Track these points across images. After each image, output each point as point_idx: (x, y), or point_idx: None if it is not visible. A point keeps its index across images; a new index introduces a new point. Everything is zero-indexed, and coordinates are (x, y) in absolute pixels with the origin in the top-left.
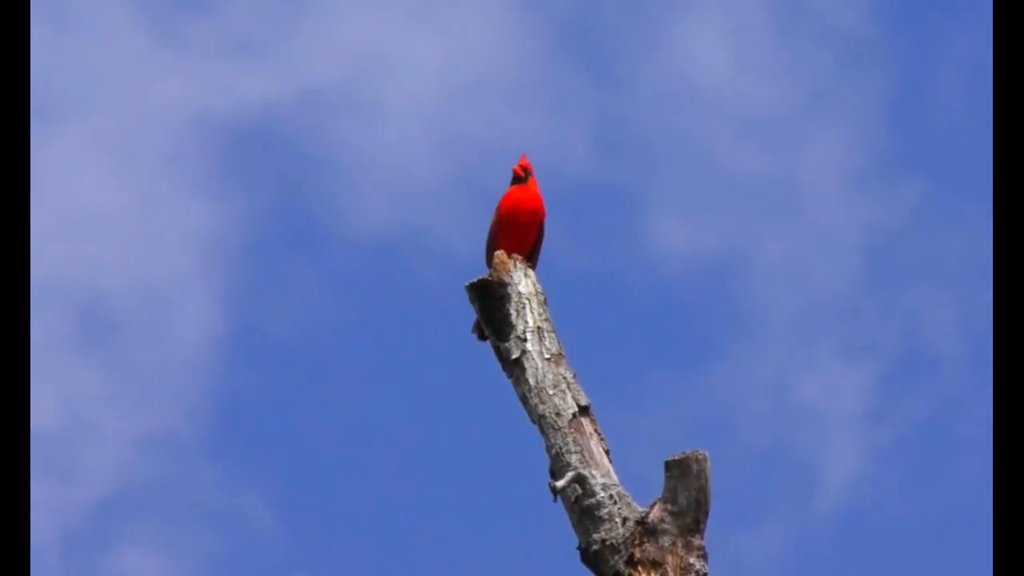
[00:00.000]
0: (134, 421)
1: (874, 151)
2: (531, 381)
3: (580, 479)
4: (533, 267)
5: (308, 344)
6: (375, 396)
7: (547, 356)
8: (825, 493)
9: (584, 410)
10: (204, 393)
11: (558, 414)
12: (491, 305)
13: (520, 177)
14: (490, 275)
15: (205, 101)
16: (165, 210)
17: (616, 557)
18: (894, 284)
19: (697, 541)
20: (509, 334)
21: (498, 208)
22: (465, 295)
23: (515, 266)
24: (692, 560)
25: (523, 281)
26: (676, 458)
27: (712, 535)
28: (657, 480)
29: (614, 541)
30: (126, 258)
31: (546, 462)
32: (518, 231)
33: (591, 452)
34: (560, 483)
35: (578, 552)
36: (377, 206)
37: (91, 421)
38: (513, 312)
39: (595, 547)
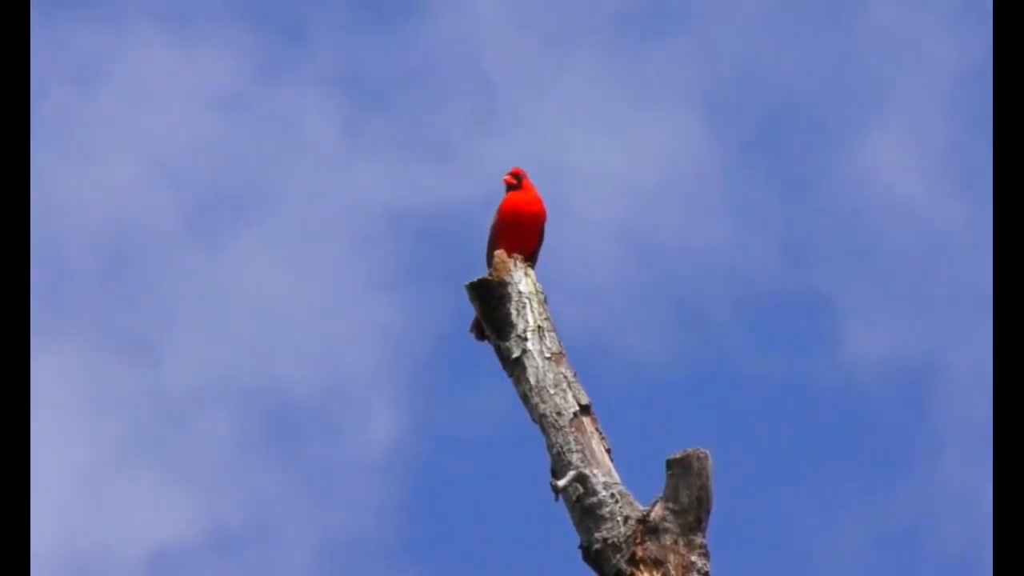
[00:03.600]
0: (322, 522)
1: None
2: (532, 380)
3: (581, 478)
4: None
5: (496, 443)
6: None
7: (548, 355)
8: None
9: (585, 409)
10: (392, 494)
11: (559, 413)
12: (491, 305)
13: (513, 185)
14: (490, 275)
15: (393, 197)
16: (351, 306)
17: (618, 556)
18: None
19: (699, 539)
20: (510, 333)
21: (499, 210)
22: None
23: (515, 265)
24: (694, 558)
25: (523, 280)
26: (677, 456)
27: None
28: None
29: (616, 540)
30: (312, 355)
31: (547, 461)
32: (519, 233)
33: (592, 451)
34: (561, 482)
35: (580, 551)
36: (562, 309)
37: (277, 522)
38: (513, 311)
39: (597, 546)
